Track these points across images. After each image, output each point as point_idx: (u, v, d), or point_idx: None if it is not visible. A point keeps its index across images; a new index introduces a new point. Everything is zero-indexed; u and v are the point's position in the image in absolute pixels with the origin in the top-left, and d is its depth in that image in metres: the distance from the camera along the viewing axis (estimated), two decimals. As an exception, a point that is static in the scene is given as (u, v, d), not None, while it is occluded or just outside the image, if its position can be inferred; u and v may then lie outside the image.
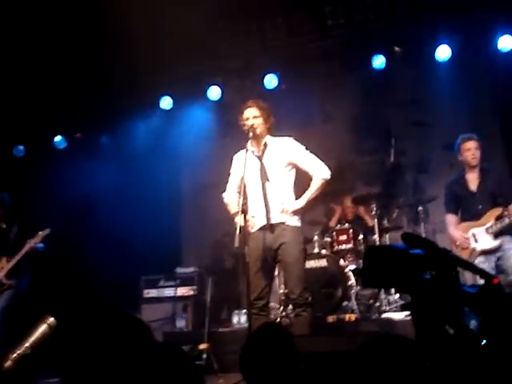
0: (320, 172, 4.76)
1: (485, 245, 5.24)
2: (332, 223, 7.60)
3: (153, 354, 2.10)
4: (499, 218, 5.23)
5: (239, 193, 4.64)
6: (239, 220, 4.38)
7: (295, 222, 4.70)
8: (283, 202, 4.68)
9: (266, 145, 4.81)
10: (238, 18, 7.73)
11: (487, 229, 5.24)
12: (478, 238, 5.29)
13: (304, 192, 4.78)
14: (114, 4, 6.48)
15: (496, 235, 5.22)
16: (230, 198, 4.96)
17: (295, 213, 4.68)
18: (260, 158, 4.78)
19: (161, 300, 7.54)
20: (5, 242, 6.55)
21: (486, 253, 5.26)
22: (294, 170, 4.84)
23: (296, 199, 4.78)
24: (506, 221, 5.16)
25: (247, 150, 4.69)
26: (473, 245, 5.31)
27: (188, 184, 9.08)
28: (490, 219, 5.27)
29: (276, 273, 6.12)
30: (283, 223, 4.65)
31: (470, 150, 5.45)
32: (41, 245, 6.52)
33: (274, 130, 4.96)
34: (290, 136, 4.97)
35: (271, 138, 4.87)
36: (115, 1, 6.48)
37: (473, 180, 5.49)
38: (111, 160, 8.43)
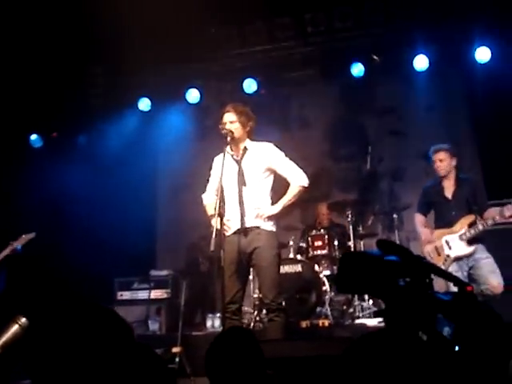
0: (298, 179, 4.76)
1: (458, 251, 5.31)
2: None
3: (130, 356, 2.09)
4: (472, 224, 5.31)
5: (217, 195, 4.63)
6: (215, 223, 4.36)
7: (270, 226, 4.69)
8: (259, 207, 4.67)
9: (245, 149, 4.80)
10: (219, 22, 7.74)
11: (461, 236, 5.31)
12: (452, 244, 5.35)
13: (281, 198, 4.79)
14: (95, 4, 6.44)
15: (469, 242, 5.29)
16: (209, 200, 4.95)
17: (270, 218, 4.68)
18: (239, 161, 4.77)
19: (134, 302, 7.48)
20: None
21: (459, 260, 5.33)
22: (271, 176, 4.83)
23: (272, 205, 4.78)
24: (480, 228, 5.23)
25: (226, 153, 4.68)
26: (446, 252, 5.38)
27: (165, 186, 9.05)
28: (463, 226, 5.34)
29: (250, 277, 6.13)
30: (258, 227, 4.64)
31: (437, 161, 5.55)
32: (19, 246, 6.43)
33: (253, 134, 4.96)
34: (269, 142, 4.97)
35: (251, 142, 4.87)
36: (95, 1, 6.44)
37: (449, 187, 5.58)
38: (88, 160, 8.35)
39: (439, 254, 5.42)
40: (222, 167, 4.53)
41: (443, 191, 5.60)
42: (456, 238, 5.34)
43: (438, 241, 5.45)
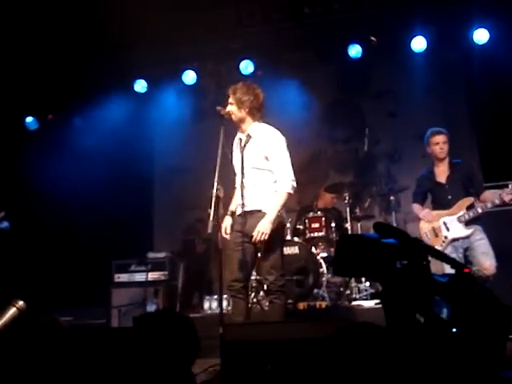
0: (284, 184, 4.56)
1: (456, 233, 5.31)
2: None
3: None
4: (471, 207, 5.31)
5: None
6: (212, 205, 4.34)
7: None
8: (259, 193, 4.63)
9: (249, 136, 4.68)
10: (215, 3, 7.67)
11: (459, 217, 5.31)
12: (450, 226, 5.35)
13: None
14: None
15: (467, 224, 5.30)
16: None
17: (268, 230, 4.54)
18: (242, 149, 4.70)
19: (132, 285, 7.49)
20: None
21: (454, 241, 5.34)
22: None
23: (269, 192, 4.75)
24: (479, 210, 5.23)
25: (236, 136, 4.70)
26: (444, 233, 5.38)
27: (161, 168, 9.03)
28: (461, 208, 5.34)
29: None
30: (259, 211, 4.58)
31: (439, 143, 5.51)
32: (6, 224, 6.35)
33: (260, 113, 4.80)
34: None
35: (258, 126, 4.70)
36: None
37: (442, 173, 5.56)
38: (84, 142, 8.30)
39: (436, 236, 5.42)
40: (234, 150, 4.54)
41: (435, 177, 5.58)
42: (454, 219, 5.34)
43: (436, 222, 5.45)
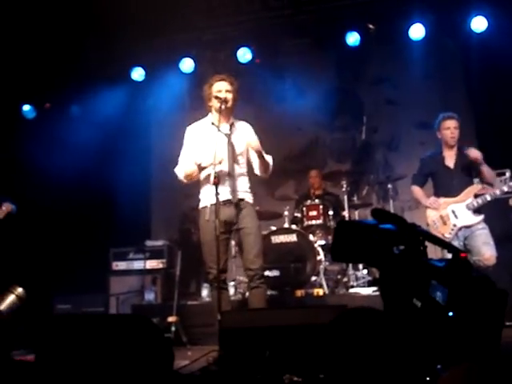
0: (269, 160, 4.80)
1: (466, 221, 5.28)
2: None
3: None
4: (479, 195, 5.29)
5: (198, 166, 4.56)
6: (210, 193, 4.42)
7: (251, 200, 4.79)
8: (246, 182, 4.77)
9: (233, 124, 4.80)
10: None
11: (467, 205, 5.28)
12: (458, 214, 5.32)
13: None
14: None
15: (475, 211, 5.29)
16: (186, 167, 4.77)
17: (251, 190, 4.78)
18: (228, 135, 4.73)
19: (130, 273, 7.52)
20: None
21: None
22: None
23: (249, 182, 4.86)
24: (488, 197, 5.20)
25: (211, 124, 4.67)
26: (453, 221, 5.34)
27: (158, 156, 9.02)
28: (469, 196, 5.31)
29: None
30: (243, 200, 4.70)
31: (450, 128, 5.49)
32: (12, 207, 6.30)
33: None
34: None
35: (235, 119, 4.87)
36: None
37: (450, 157, 5.52)
38: (81, 131, 8.28)
39: (445, 223, 5.38)
40: (216, 138, 4.50)
41: (444, 160, 5.54)
42: (463, 207, 5.31)
43: (444, 210, 5.41)
